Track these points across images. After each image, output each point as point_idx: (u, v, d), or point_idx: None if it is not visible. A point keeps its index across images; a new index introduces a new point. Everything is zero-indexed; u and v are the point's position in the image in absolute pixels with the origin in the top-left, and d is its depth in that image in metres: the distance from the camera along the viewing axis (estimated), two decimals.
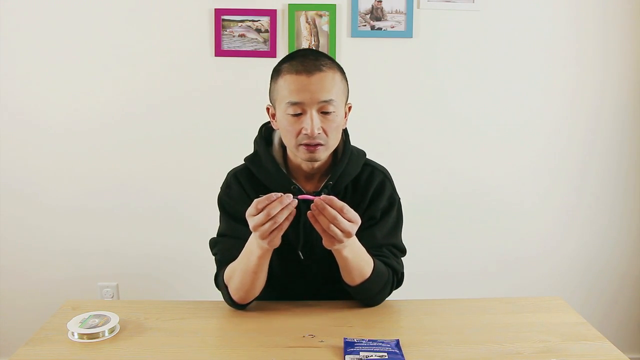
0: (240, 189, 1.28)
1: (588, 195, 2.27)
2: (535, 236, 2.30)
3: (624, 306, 2.35)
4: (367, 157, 1.32)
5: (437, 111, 2.19)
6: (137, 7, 2.09)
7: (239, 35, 2.10)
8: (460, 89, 2.18)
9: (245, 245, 1.16)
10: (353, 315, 1.22)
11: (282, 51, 2.11)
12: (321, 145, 1.16)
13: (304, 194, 1.20)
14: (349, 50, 2.13)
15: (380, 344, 1.06)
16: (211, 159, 2.15)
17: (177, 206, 2.22)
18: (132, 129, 2.17)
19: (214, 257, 1.29)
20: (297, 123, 1.15)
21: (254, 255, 1.13)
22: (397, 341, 1.08)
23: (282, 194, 1.03)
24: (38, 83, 2.13)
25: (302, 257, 1.25)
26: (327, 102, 1.14)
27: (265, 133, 1.31)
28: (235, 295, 1.21)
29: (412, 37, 2.12)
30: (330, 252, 1.14)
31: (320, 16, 2.10)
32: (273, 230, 1.04)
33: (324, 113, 1.15)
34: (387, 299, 1.28)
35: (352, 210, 1.06)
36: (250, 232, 1.09)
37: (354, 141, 1.31)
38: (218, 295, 1.27)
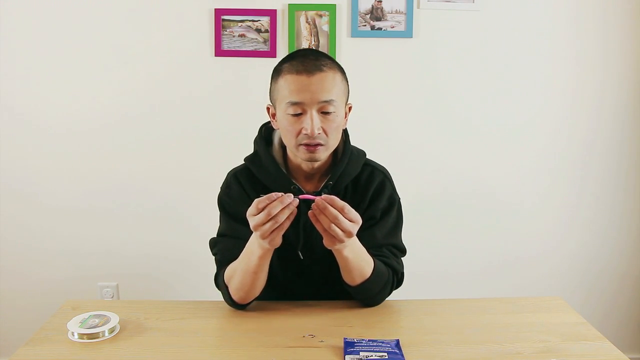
0: (240, 189, 1.28)
1: (588, 195, 2.27)
2: (535, 236, 2.30)
3: (624, 306, 2.35)
4: (367, 157, 1.33)
5: (437, 111, 2.19)
6: (137, 7, 2.09)
7: (239, 35, 2.10)
8: (460, 89, 2.18)
9: (246, 246, 1.16)
10: (353, 315, 1.22)
11: (282, 51, 2.11)
12: (321, 145, 1.16)
13: (304, 194, 1.20)
14: (349, 50, 2.13)
15: (380, 344, 1.06)
16: (211, 159, 2.15)
17: (177, 206, 2.22)
18: (132, 129, 2.17)
19: (214, 257, 1.29)
20: (297, 123, 1.15)
21: (255, 255, 1.13)
22: (397, 341, 1.08)
23: (282, 193, 1.03)
24: (38, 83, 2.13)
25: (302, 257, 1.25)
26: (328, 102, 1.14)
27: (265, 133, 1.31)
28: (235, 296, 1.21)
29: (412, 37, 2.12)
30: (330, 252, 1.14)
31: (320, 16, 2.10)
32: (274, 230, 1.04)
33: (324, 113, 1.15)
34: (387, 299, 1.28)
35: (353, 210, 1.06)
36: (251, 232, 1.09)
37: (354, 141, 1.31)
38: (218, 295, 1.27)
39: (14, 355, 1.05)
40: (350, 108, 1.26)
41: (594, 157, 2.25)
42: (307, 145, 1.16)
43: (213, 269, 1.28)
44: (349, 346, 1.05)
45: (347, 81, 1.22)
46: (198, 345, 1.09)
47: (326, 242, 1.08)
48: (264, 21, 2.09)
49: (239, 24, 2.10)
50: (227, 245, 1.25)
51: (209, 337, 1.13)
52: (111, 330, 1.12)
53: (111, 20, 2.09)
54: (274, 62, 1.24)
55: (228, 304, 1.24)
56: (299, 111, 1.14)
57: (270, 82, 1.22)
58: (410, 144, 2.21)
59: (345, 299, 1.27)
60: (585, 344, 1.10)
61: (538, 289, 2.29)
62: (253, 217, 1.04)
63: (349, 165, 1.26)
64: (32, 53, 2.10)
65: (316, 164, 1.23)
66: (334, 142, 1.20)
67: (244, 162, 1.31)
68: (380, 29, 2.12)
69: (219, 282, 1.24)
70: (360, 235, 1.13)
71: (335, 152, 1.26)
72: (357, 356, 1.01)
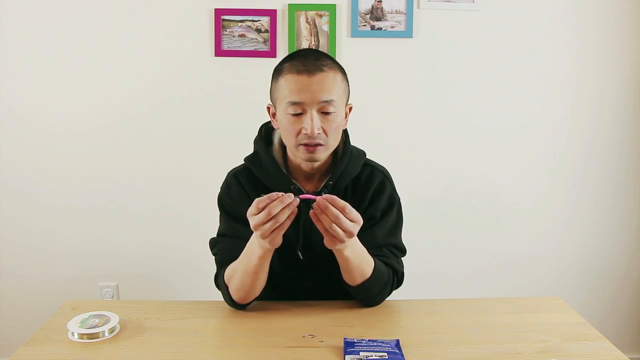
0: (240, 189, 1.28)
1: (588, 195, 2.27)
2: (535, 236, 2.30)
3: (624, 306, 2.35)
4: (367, 157, 1.33)
5: (437, 111, 2.19)
6: (137, 7, 2.09)
7: (239, 35, 2.10)
8: (460, 89, 2.18)
9: (246, 246, 1.16)
10: (353, 315, 1.22)
11: (282, 51, 2.11)
12: (321, 145, 1.16)
13: (304, 193, 1.20)
14: (349, 50, 2.13)
15: (380, 344, 1.06)
16: (211, 159, 2.15)
17: (177, 206, 2.22)
18: (132, 129, 2.17)
19: (214, 257, 1.29)
20: (297, 123, 1.15)
21: (255, 255, 1.13)
22: (397, 341, 1.08)
23: (283, 193, 1.03)
24: (38, 83, 2.13)
25: (302, 257, 1.25)
26: (328, 102, 1.14)
27: (265, 133, 1.31)
28: (235, 295, 1.21)
29: (412, 37, 2.13)
30: (330, 252, 1.14)
31: (320, 16, 2.10)
32: (274, 230, 1.04)
33: (324, 113, 1.15)
34: (387, 299, 1.28)
35: (354, 210, 1.06)
36: (251, 232, 1.09)
37: (354, 141, 1.31)
38: (218, 295, 1.27)
39: (14, 355, 1.05)
40: (350, 108, 1.26)
41: (594, 157, 2.25)
42: (306, 145, 1.16)
43: (213, 269, 1.28)
44: (349, 346, 1.05)
45: (348, 81, 1.22)
46: (198, 345, 1.09)
47: (327, 242, 1.08)
48: (264, 21, 2.09)
49: (239, 24, 2.10)
50: (227, 245, 1.25)
51: (209, 337, 1.13)
52: (111, 330, 1.12)
53: (111, 20, 2.09)
54: (274, 62, 1.24)
55: (228, 304, 1.24)
56: (299, 111, 1.14)
57: (270, 81, 1.22)
58: (410, 144, 2.21)
59: (345, 299, 1.27)
60: (585, 344, 1.10)
61: (538, 289, 2.29)
62: (253, 216, 1.04)
63: (349, 165, 1.26)
64: (32, 53, 2.10)
65: (316, 164, 1.23)
66: (333, 142, 1.20)
67: (244, 162, 1.31)
68: (380, 29, 2.12)
69: (219, 282, 1.24)
70: (361, 235, 1.13)
71: (335, 152, 1.26)
72: (357, 356, 1.01)
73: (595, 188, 2.27)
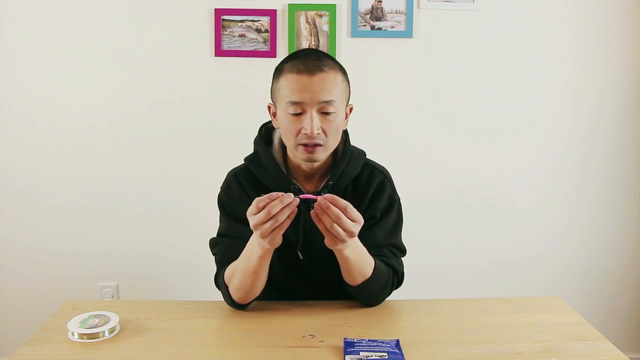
0: (240, 189, 1.28)
1: (588, 195, 2.27)
2: (535, 236, 2.30)
3: (624, 306, 2.35)
4: (367, 157, 1.32)
5: (437, 111, 2.19)
6: (137, 7, 2.09)
7: (239, 35, 2.10)
8: (460, 89, 2.18)
9: (246, 246, 1.16)
10: (353, 315, 1.22)
11: (282, 51, 2.11)
12: (320, 145, 1.16)
13: (304, 193, 1.20)
14: (349, 50, 2.13)
15: (380, 344, 1.06)
16: (211, 159, 2.15)
17: (177, 206, 2.22)
18: (132, 129, 2.17)
19: (214, 257, 1.29)
20: (297, 122, 1.15)
21: (255, 255, 1.13)
22: (397, 341, 1.08)
23: (282, 193, 1.03)
24: (38, 83, 2.13)
25: (302, 257, 1.25)
26: (328, 102, 1.14)
27: (265, 133, 1.31)
28: (235, 296, 1.21)
29: (412, 37, 2.12)
30: (329, 252, 1.14)
31: (320, 16, 2.10)
32: (274, 229, 1.04)
33: (324, 113, 1.15)
34: (387, 299, 1.28)
35: (355, 210, 1.06)
36: (251, 232, 1.09)
37: (354, 141, 1.31)
38: (218, 295, 1.26)
39: (14, 355, 1.05)
40: (351, 109, 1.26)
41: (594, 157, 2.25)
42: (305, 145, 1.16)
43: (213, 269, 1.28)
44: (349, 346, 1.05)
45: (349, 82, 1.22)
46: (198, 345, 1.09)
47: (328, 242, 1.08)
48: (264, 21, 2.09)
49: (239, 24, 2.10)
50: (227, 245, 1.25)
51: (209, 337, 1.13)
52: (111, 330, 1.12)
53: (111, 21, 2.09)
54: (274, 62, 1.24)
55: (228, 304, 1.24)
56: (299, 111, 1.14)
57: (271, 81, 1.22)
58: (410, 144, 2.21)
59: (345, 299, 1.27)
60: (585, 344, 1.10)
61: (538, 289, 2.29)
62: (253, 216, 1.04)
63: (349, 165, 1.26)
64: (32, 53, 2.10)
65: (316, 164, 1.23)
66: (333, 142, 1.20)
67: (244, 162, 1.31)
68: (380, 29, 2.12)
69: (219, 282, 1.24)
70: (361, 235, 1.13)
71: (335, 152, 1.26)
72: (357, 356, 1.01)
73: (595, 188, 2.27)
